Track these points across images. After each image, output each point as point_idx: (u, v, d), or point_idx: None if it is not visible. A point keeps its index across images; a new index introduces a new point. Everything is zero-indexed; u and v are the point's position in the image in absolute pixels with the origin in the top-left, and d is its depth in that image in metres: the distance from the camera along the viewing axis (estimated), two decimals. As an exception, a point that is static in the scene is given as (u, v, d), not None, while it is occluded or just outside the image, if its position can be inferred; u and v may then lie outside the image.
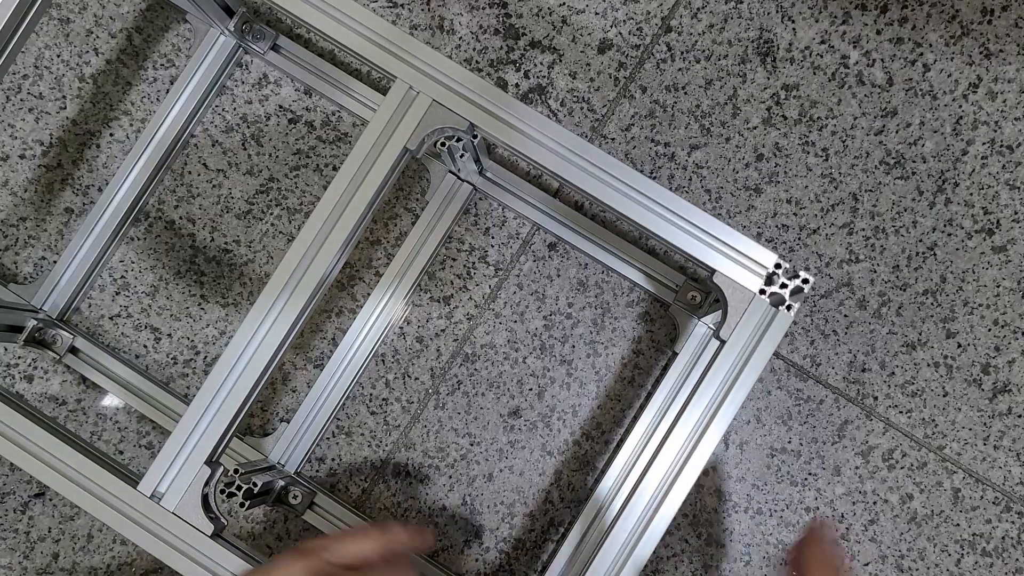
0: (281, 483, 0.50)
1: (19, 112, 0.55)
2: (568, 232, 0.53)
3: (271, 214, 0.55)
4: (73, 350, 0.52)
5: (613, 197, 0.37)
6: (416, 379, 0.54)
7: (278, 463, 0.52)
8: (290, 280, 0.37)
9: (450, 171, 0.52)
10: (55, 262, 0.55)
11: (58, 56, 0.55)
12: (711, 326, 0.51)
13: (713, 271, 0.37)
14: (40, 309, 0.52)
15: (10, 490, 0.54)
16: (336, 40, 0.38)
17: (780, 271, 0.37)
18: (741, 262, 0.37)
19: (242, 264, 0.55)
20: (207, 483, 0.37)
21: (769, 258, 0.37)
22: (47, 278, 0.52)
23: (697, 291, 0.52)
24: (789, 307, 0.37)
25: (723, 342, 0.37)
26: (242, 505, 0.42)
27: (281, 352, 0.38)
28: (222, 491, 0.41)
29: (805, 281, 0.37)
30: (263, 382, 0.38)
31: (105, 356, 0.52)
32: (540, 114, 0.37)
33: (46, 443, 0.37)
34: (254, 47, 0.53)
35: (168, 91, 0.53)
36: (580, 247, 0.53)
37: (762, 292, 0.37)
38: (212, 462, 0.37)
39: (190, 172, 0.55)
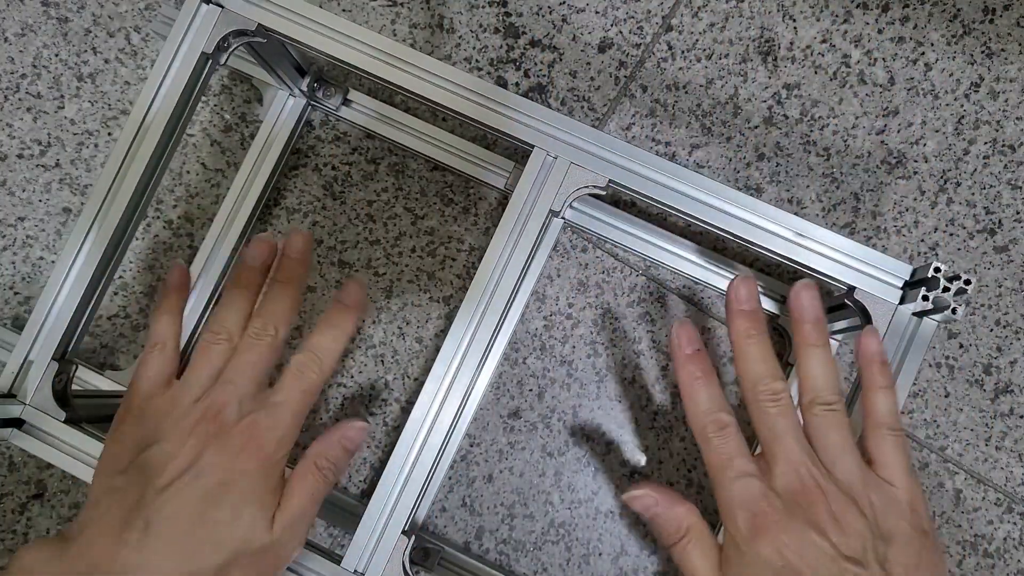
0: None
1: (17, 111, 0.62)
2: (650, 247, 0.59)
3: (270, 213, 0.62)
4: None
5: (745, 228, 0.44)
6: (415, 380, 0.61)
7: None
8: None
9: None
10: (53, 262, 0.65)
11: (56, 55, 0.62)
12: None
13: (852, 288, 0.44)
14: None
15: (8, 491, 0.60)
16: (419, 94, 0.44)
17: (940, 275, 0.42)
18: (878, 277, 0.44)
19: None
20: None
21: (904, 269, 0.44)
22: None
23: None
24: (955, 310, 0.42)
25: None
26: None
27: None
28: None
29: (967, 283, 0.42)
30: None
31: None
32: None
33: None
34: (326, 105, 0.59)
35: (244, 158, 0.60)
36: (669, 263, 0.59)
37: (902, 302, 0.44)
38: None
39: (188, 172, 0.62)
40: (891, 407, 0.42)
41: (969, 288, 0.42)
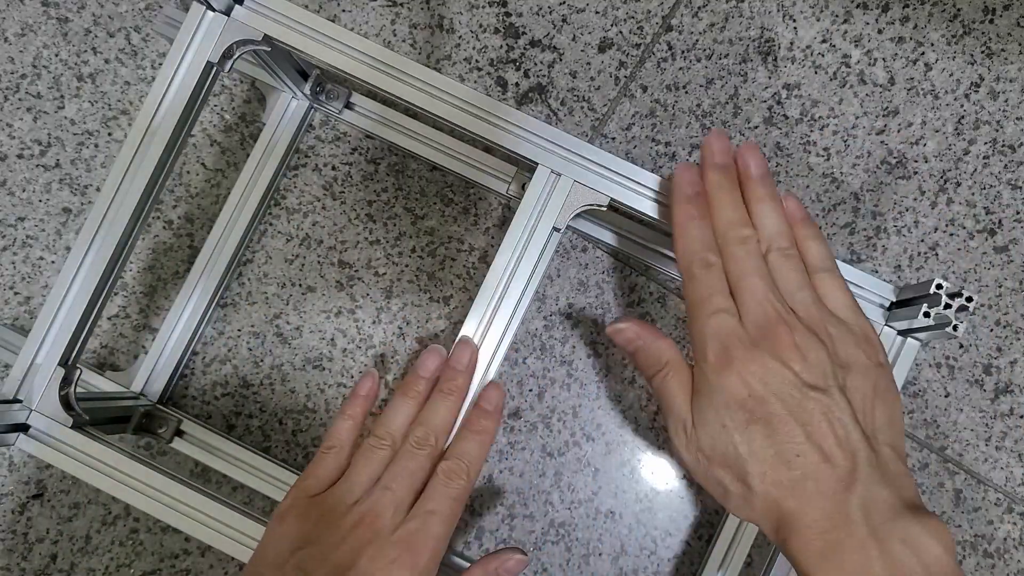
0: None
1: (17, 112, 0.64)
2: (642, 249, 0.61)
3: (270, 213, 0.64)
4: (179, 432, 0.60)
5: None
6: (416, 380, 0.65)
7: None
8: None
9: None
10: (53, 262, 0.67)
11: (56, 55, 0.64)
12: None
13: None
14: (141, 395, 0.60)
15: (8, 491, 0.62)
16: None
17: (942, 291, 0.43)
18: (866, 297, 0.46)
19: (241, 264, 0.63)
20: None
21: (889, 290, 0.46)
22: (144, 362, 0.60)
23: None
24: (956, 327, 0.43)
25: None
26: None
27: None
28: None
29: (969, 299, 0.43)
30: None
31: (212, 435, 0.60)
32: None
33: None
34: (329, 107, 0.61)
35: (247, 157, 0.62)
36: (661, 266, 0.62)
37: (888, 322, 0.46)
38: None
39: (188, 172, 0.64)
40: (824, 252, 0.44)
41: (971, 305, 0.43)
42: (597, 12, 0.64)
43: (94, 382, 0.61)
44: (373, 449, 0.45)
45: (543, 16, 0.64)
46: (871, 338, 0.42)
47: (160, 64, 0.60)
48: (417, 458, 0.45)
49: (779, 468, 0.38)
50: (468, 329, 0.46)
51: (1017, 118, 0.63)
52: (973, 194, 0.63)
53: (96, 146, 0.65)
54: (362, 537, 0.42)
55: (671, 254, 0.61)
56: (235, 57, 0.44)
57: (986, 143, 0.63)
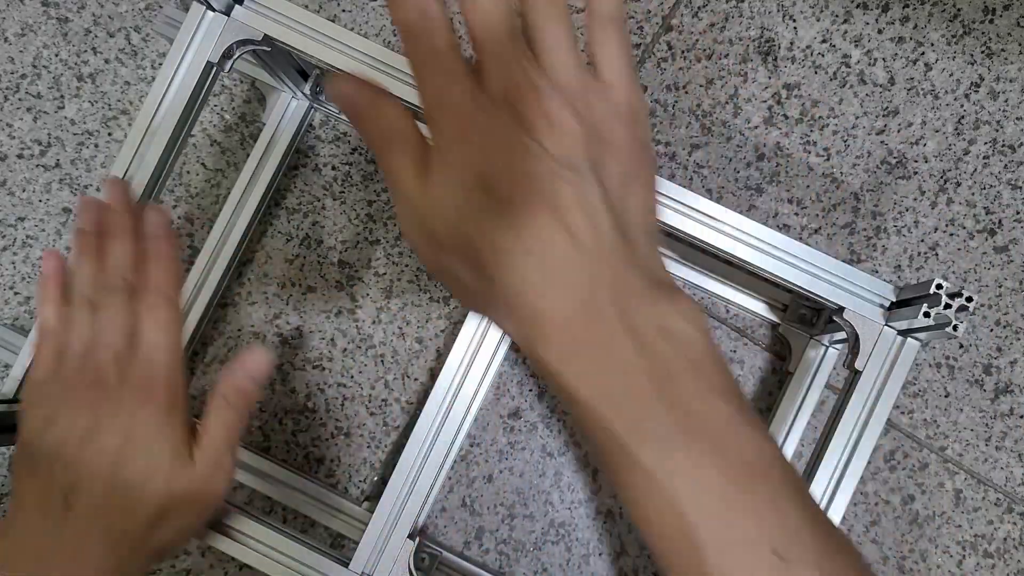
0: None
1: (17, 112, 0.64)
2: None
3: (270, 214, 0.64)
4: None
5: (738, 248, 0.47)
6: (416, 380, 0.63)
7: None
8: None
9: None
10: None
11: (56, 55, 0.65)
12: (825, 344, 0.60)
13: (842, 308, 0.46)
14: None
15: (8, 491, 0.64)
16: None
17: (943, 291, 0.43)
18: (866, 297, 0.46)
19: (241, 264, 0.64)
20: None
21: (890, 290, 0.46)
22: None
23: (807, 308, 0.60)
24: (956, 327, 0.43)
25: (858, 372, 0.46)
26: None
27: None
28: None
29: (969, 299, 0.43)
30: None
31: None
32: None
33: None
34: (329, 107, 0.62)
35: (248, 158, 0.62)
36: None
37: (888, 322, 0.46)
38: None
39: (188, 172, 0.64)
40: None
41: (971, 305, 0.43)
42: (597, 12, 0.64)
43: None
44: (72, 315, 0.45)
45: (543, 16, 0.64)
46: (637, 112, 0.36)
47: (160, 64, 0.60)
48: (114, 304, 0.45)
49: (522, 256, 0.32)
50: (468, 329, 0.46)
51: (1017, 118, 0.63)
52: (973, 194, 0.63)
53: (96, 146, 0.65)
54: (95, 399, 0.43)
55: (676, 258, 0.61)
56: (235, 57, 0.45)
57: (986, 143, 0.63)
